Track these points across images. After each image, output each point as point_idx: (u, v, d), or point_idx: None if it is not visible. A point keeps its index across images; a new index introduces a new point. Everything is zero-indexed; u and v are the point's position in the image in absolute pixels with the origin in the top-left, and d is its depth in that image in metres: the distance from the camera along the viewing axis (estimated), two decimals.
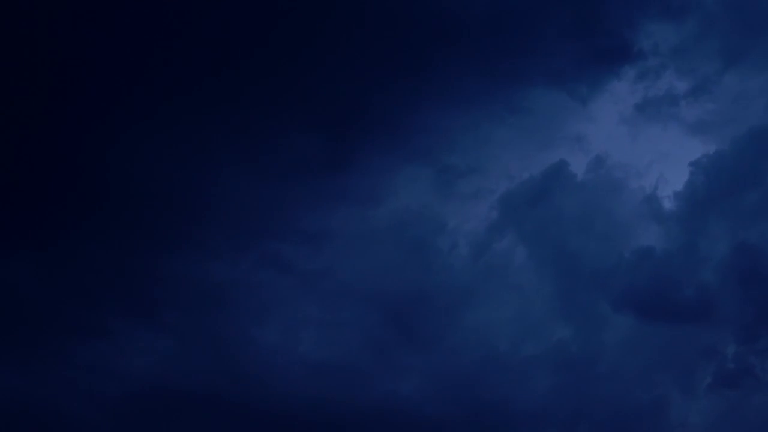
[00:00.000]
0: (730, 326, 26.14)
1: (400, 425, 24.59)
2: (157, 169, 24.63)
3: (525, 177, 27.25)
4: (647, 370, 25.86)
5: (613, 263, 26.66)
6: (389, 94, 27.09)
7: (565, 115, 27.68)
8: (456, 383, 25.07)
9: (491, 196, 27.22)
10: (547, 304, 26.30)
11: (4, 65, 22.29)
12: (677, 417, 25.24)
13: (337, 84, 26.41)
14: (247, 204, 25.91)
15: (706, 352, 26.00)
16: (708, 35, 27.04)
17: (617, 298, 26.33)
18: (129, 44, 23.19)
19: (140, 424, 23.78)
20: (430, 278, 26.22)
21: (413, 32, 26.65)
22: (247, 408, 24.22)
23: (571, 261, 26.71)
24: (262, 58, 25.50)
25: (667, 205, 27.22)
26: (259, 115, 25.68)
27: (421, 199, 27.12)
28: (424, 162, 27.32)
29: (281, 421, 24.21)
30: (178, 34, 23.52)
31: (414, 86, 27.21)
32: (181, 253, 25.20)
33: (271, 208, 26.23)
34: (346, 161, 26.92)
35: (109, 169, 24.20)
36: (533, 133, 27.57)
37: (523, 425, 24.86)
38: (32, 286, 24.32)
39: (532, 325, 26.04)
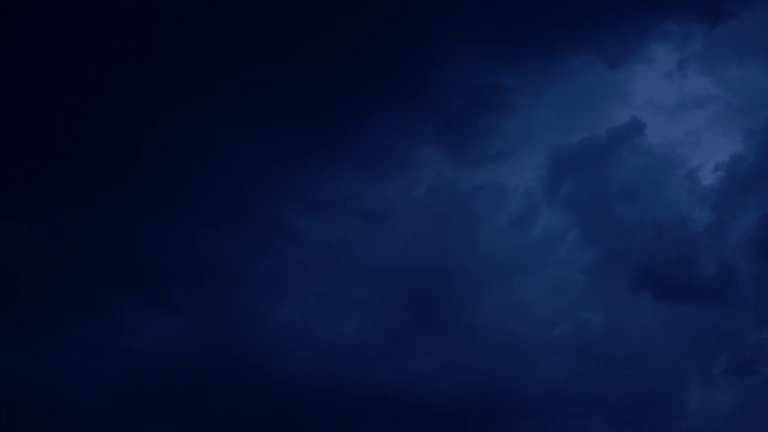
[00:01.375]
0: (751, 309, 25.34)
1: (410, 407, 23.90)
2: (164, 140, 23.19)
3: (558, 145, 25.95)
4: (665, 354, 25.21)
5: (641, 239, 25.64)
6: (404, 51, 25.39)
7: (600, 78, 26.02)
8: (470, 365, 24.35)
9: (522, 165, 25.86)
10: (574, 282, 25.31)
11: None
12: (693, 404, 24.73)
13: (349, 42, 24.70)
14: (256, 173, 24.55)
15: (725, 337, 25.32)
16: None
17: (640, 276, 25.52)
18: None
19: (144, 405, 22.94)
20: (453, 253, 25.08)
21: None
22: (255, 387, 23.46)
23: (602, 236, 25.64)
24: (271, 15, 23.77)
25: (706, 179, 26.06)
26: (267, 78, 24.12)
27: (445, 166, 25.66)
28: (445, 125, 25.82)
29: (289, 400, 23.48)
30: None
31: (431, 43, 25.52)
32: (188, 226, 23.98)
33: (281, 176, 24.89)
34: (359, 122, 25.45)
35: (117, 141, 22.78)
36: (566, 99, 26.02)
37: (535, 411, 24.25)
38: (32, 258, 23.15)
39: (555, 305, 25.15)
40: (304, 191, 25.09)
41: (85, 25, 21.46)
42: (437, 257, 24.95)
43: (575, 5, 25.79)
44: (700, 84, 25.89)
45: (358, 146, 25.43)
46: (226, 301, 24.06)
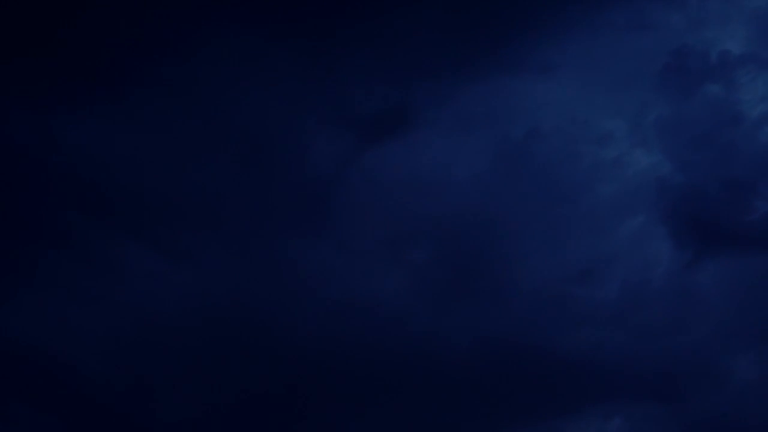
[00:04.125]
0: None
1: (436, 370, 21.33)
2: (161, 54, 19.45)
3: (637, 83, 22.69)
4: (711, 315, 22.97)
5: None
6: None
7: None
8: (505, 328, 21.71)
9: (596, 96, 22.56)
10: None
11: None
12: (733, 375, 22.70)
13: None
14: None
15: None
16: None
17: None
18: None
19: (139, 365, 20.01)
20: (501, 197, 22.11)
21: None
22: (266, 346, 20.67)
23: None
24: None
25: None
26: None
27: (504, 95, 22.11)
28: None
29: (303, 362, 20.76)
30: None
31: None
32: (192, 153, 20.46)
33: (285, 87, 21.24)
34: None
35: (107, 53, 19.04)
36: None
37: (568, 378, 21.94)
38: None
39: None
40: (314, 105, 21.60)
41: None
42: (480, 202, 21.85)
43: None
44: None
45: (368, 49, 21.73)
46: (233, 246, 20.87)
